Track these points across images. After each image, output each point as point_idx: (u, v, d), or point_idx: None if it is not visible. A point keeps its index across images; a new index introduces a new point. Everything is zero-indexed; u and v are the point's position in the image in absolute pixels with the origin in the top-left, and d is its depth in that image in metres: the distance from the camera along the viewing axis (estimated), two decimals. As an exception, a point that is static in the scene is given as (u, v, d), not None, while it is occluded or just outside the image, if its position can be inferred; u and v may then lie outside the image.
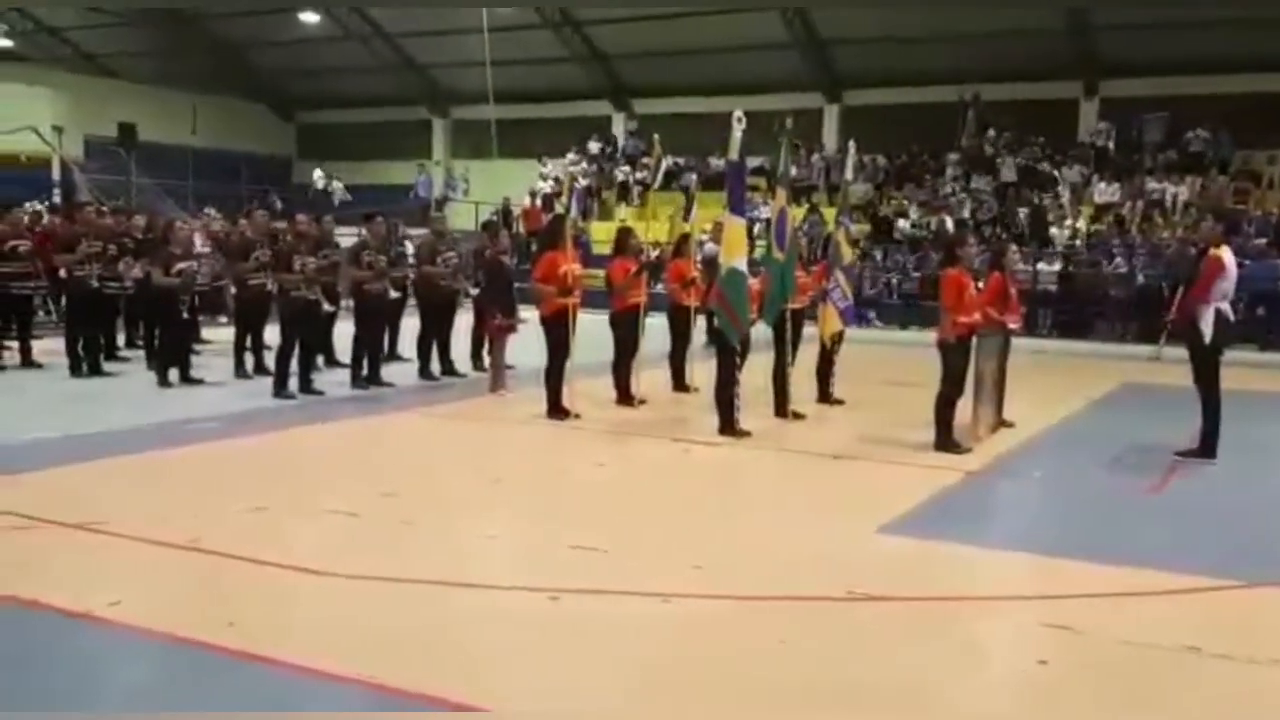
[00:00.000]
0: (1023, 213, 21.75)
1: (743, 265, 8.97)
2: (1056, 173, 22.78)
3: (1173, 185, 21.33)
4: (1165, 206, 21.11)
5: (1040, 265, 19.62)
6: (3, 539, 5.73)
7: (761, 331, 9.80)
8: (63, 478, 7.17)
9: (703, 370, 10.77)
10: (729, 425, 9.01)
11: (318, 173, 29.44)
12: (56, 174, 22.02)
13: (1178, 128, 22.50)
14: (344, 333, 11.92)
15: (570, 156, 27.69)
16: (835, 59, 25.89)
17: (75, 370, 11.73)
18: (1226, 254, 8.34)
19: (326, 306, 11.11)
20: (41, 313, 14.56)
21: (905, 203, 23.35)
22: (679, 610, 4.93)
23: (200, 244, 14.21)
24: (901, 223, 22.59)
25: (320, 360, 11.97)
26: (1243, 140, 21.82)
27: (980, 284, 8.98)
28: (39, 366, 12.28)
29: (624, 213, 25.48)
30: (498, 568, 5.61)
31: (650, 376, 10.99)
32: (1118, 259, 19.37)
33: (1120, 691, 4.19)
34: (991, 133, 24.12)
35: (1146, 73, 22.52)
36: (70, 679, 4.04)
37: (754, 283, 9.30)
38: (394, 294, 11.97)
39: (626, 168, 27.25)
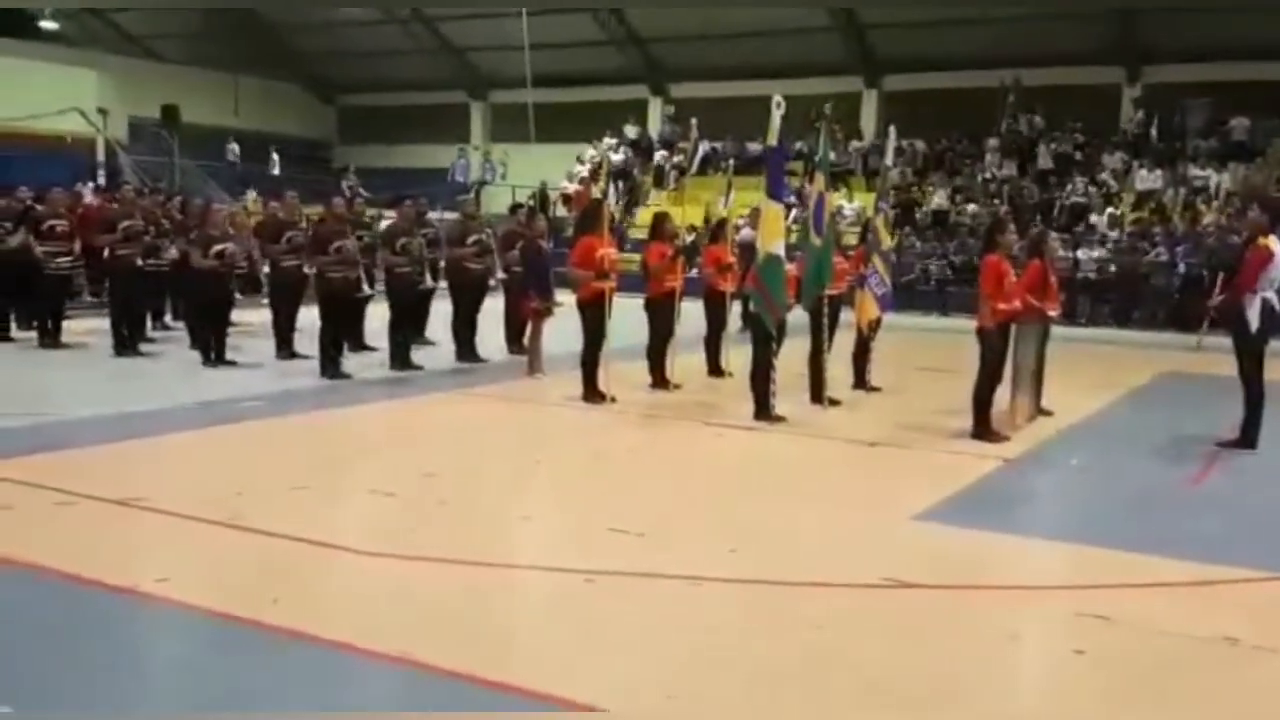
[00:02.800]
0: (1062, 199, 21.53)
1: (780, 250, 8.95)
2: (1097, 159, 22.53)
3: (1215, 172, 21.04)
4: (1207, 194, 20.82)
5: (1080, 253, 19.42)
6: (49, 515, 5.85)
7: (798, 317, 9.78)
8: (108, 455, 7.31)
9: (738, 355, 10.77)
10: (764, 411, 9.02)
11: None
12: (101, 155, 22.29)
13: (1220, 114, 22.15)
14: (373, 315, 11.99)
15: (608, 141, 27.67)
16: (875, 43, 25.72)
17: (119, 349, 11.91)
18: (1274, 243, 8.22)
19: (365, 290, 11.20)
20: (87, 294, 14.81)
21: (933, 189, 23.17)
22: (712, 593, 4.95)
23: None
24: (937, 203, 22.41)
25: (345, 345, 12.04)
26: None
27: (1019, 271, 8.92)
28: (66, 348, 12.33)
29: (660, 198, 25.47)
30: (534, 549, 5.67)
31: (685, 361, 11.01)
32: (1159, 247, 19.14)
33: (1156, 681, 4.18)
34: (1034, 119, 23.86)
35: (1189, 58, 22.20)
36: (112, 654, 4.14)
37: (791, 268, 9.28)
38: (429, 284, 12.01)
39: (664, 152, 27.21)
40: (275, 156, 27.88)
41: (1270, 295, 8.15)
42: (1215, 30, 21.30)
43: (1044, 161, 22.92)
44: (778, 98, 8.84)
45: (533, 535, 5.96)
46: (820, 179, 9.98)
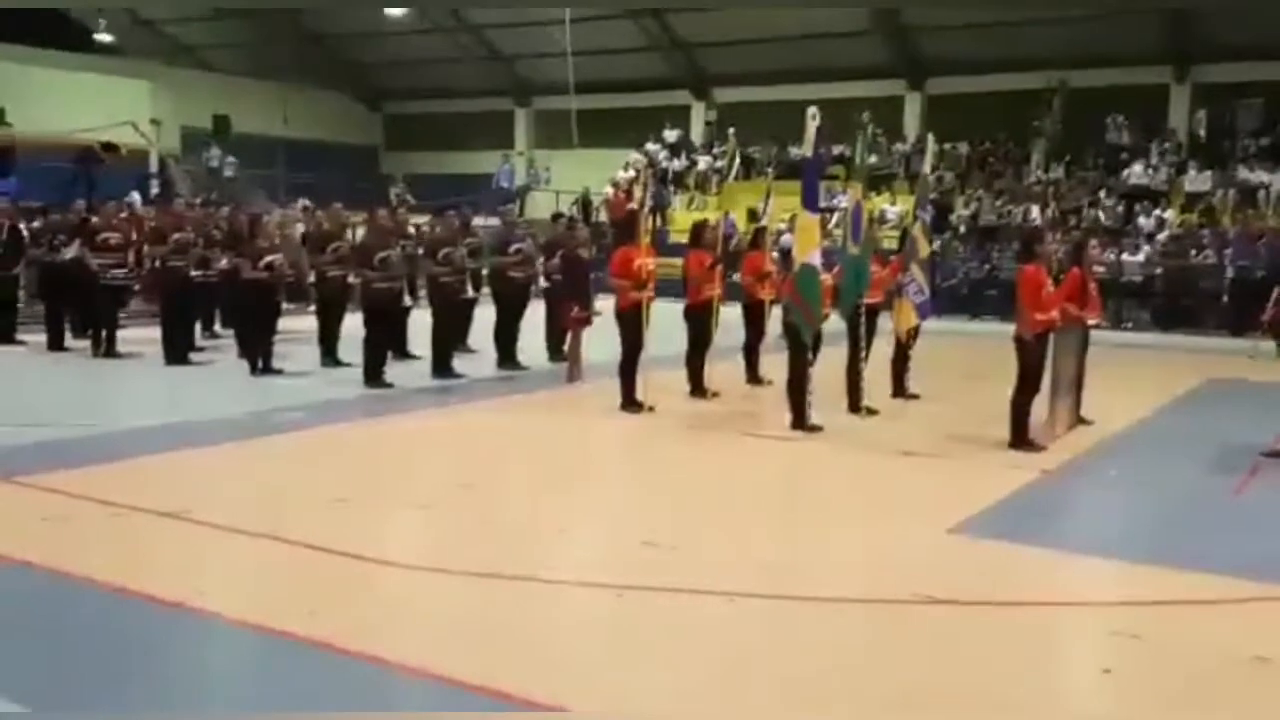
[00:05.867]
0: (1108, 201, 21.31)
1: (816, 260, 8.99)
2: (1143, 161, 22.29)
3: (1267, 174, 20.69)
4: (1259, 196, 20.50)
5: (1125, 256, 19.20)
6: (98, 526, 6.04)
7: (835, 325, 9.80)
8: (158, 466, 7.50)
9: (776, 363, 10.77)
10: (801, 420, 9.04)
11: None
12: (154, 166, 22.74)
13: (1273, 115, 21.79)
14: (416, 321, 12.14)
15: (650, 147, 27.79)
16: (918, 45, 25.56)
17: (170, 358, 12.18)
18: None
19: (407, 300, 11.37)
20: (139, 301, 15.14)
21: (973, 195, 23.04)
22: (743, 609, 5.00)
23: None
24: (979, 208, 22.28)
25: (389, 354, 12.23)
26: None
27: (1060, 277, 8.89)
28: (119, 357, 12.58)
29: (704, 201, 25.53)
30: (568, 562, 5.75)
31: (724, 369, 11.05)
32: (1208, 250, 18.88)
33: (1182, 702, 4.18)
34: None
35: (1239, 57, 21.84)
36: (155, 664, 4.28)
37: (827, 277, 9.31)
38: (471, 293, 12.16)
39: (707, 157, 27.25)
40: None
41: (1321, 304, 8.08)
42: (1266, 29, 20.95)
43: (1091, 163, 22.71)
44: (813, 109, 8.88)
45: (567, 548, 6.04)
46: (858, 188, 10.02)
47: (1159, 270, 19.03)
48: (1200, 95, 23.23)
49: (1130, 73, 23.16)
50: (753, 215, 14.12)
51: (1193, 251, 19.09)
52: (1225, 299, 17.89)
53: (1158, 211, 20.66)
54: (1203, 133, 22.51)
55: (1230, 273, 18.15)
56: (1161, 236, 19.92)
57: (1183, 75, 23.36)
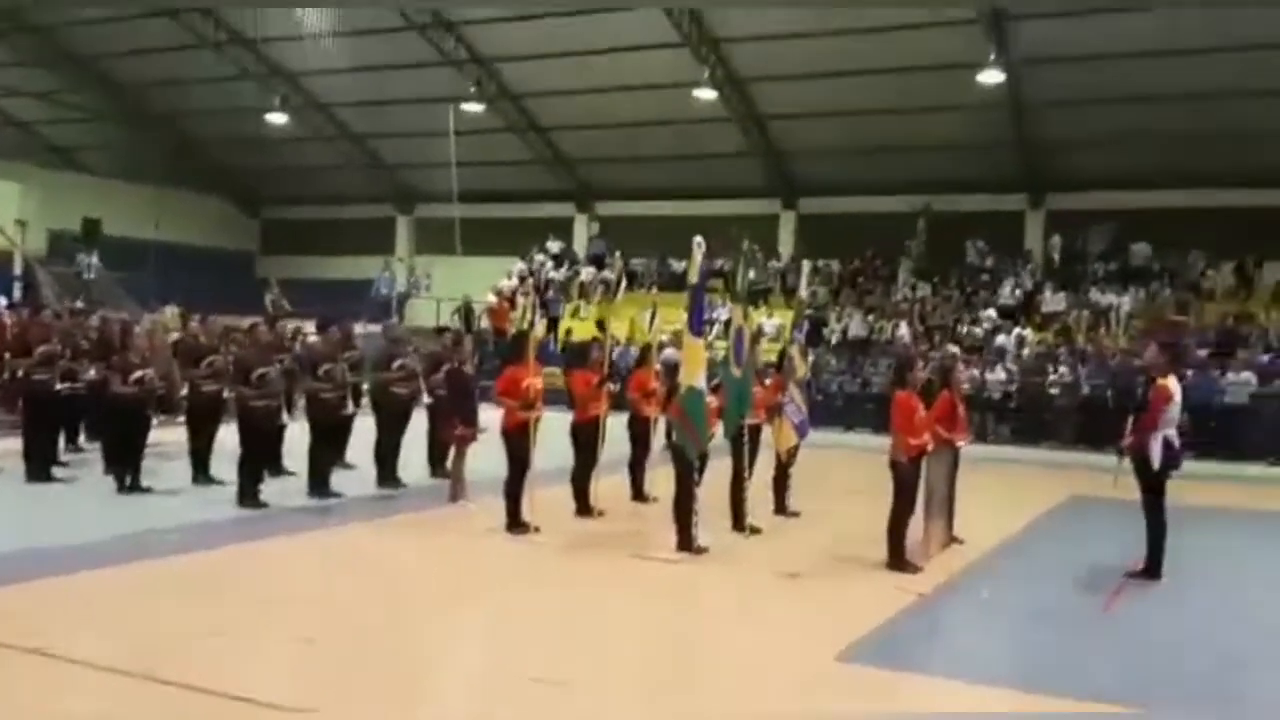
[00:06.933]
0: (969, 319, 22.34)
1: (702, 384, 9.20)
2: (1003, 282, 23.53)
3: (1116, 296, 22.00)
4: (1110, 316, 21.74)
5: (987, 374, 20.06)
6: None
7: (719, 441, 9.96)
8: (19, 596, 7.13)
9: (662, 477, 10.88)
10: (687, 542, 9.13)
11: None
12: (18, 269, 22.00)
13: (1122, 241, 23.29)
14: (292, 435, 11.90)
15: (538, 257, 28.19)
16: (791, 167, 26.62)
17: (31, 475, 11.65)
18: (1173, 383, 8.71)
19: (285, 419, 11.16)
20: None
21: (845, 311, 23.92)
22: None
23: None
24: (849, 323, 23.09)
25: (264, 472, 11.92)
26: (1184, 252, 22.62)
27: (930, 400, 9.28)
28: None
29: (587, 312, 25.81)
30: (459, 705, 5.64)
31: (610, 484, 11.09)
32: (1063, 368, 19.86)
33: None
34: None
35: (1091, 186, 23.39)
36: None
37: (712, 400, 9.52)
38: (351, 409, 11.98)
39: (590, 269, 27.64)
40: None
41: (1171, 433, 8.59)
42: (1113, 161, 22.55)
43: (954, 282, 23.84)
44: (698, 238, 9.17)
45: (456, 688, 5.94)
46: (739, 310, 10.32)
47: (1017, 387, 19.91)
48: (1053, 221, 24.69)
49: (990, 199, 24.56)
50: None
51: (1050, 368, 20.05)
52: (1082, 415, 18.74)
53: (1018, 330, 21.69)
54: (1056, 256, 23.88)
55: (1085, 390, 19.09)
56: (1022, 354, 20.89)
57: (1037, 202, 24.85)
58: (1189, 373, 16.86)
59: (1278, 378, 18.51)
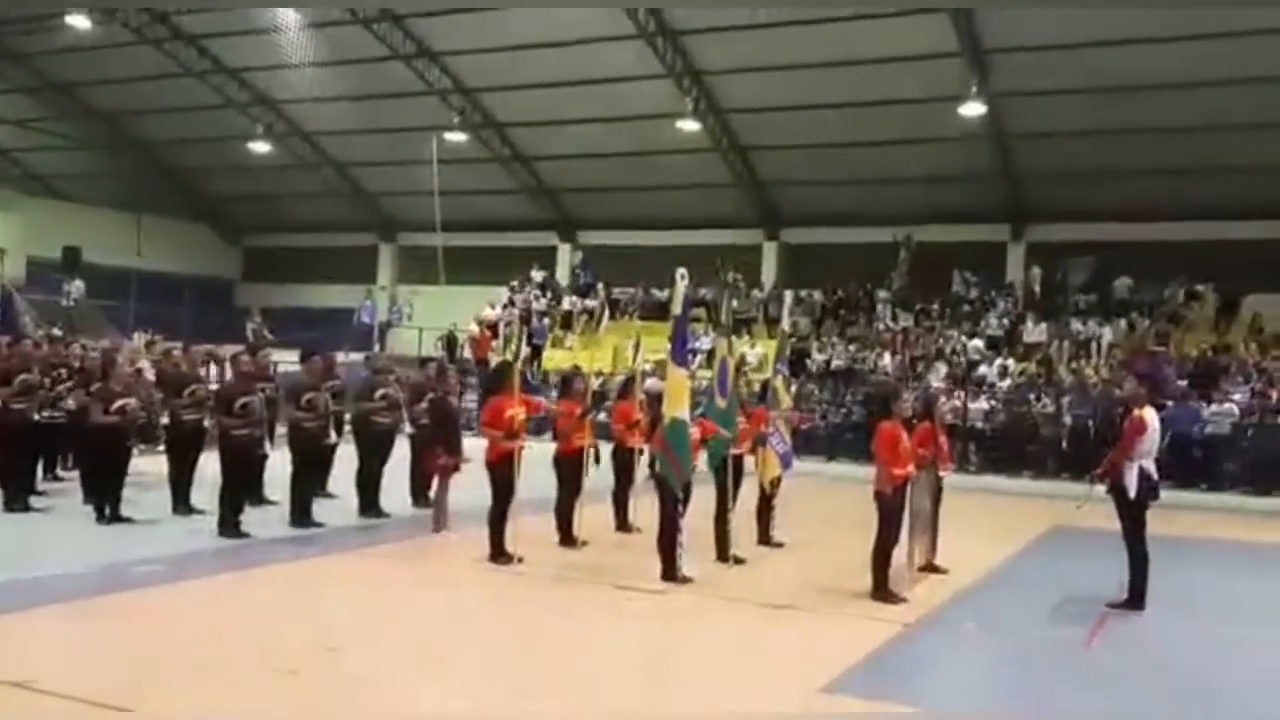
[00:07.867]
0: (953, 350, 22.45)
1: (685, 415, 9.21)
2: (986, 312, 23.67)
3: (1097, 326, 22.16)
4: (1092, 347, 21.88)
5: (970, 404, 20.14)
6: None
7: (703, 472, 9.96)
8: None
9: (646, 507, 10.86)
10: (671, 572, 9.11)
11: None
12: (-3, 297, 21.92)
13: (1103, 272, 23.48)
14: (273, 464, 11.81)
15: (527, 291, 28.23)
16: (774, 198, 26.77)
17: (9, 504, 11.54)
18: (1149, 414, 8.77)
19: (267, 448, 11.10)
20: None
21: (828, 341, 24.01)
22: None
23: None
24: (832, 353, 23.16)
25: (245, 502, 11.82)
26: (1164, 283, 22.83)
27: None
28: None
29: (571, 341, 25.84)
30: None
31: (593, 514, 11.05)
32: (1045, 399, 19.95)
33: None
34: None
35: (1071, 218, 23.60)
36: None
37: (696, 431, 9.53)
38: (333, 439, 11.91)
39: (574, 298, 27.68)
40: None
41: (1148, 463, 8.64)
42: (1093, 193, 22.80)
43: (936, 312, 23.96)
44: (681, 270, 9.21)
45: (437, 718, 5.89)
46: (724, 343, 10.36)
47: (1001, 416, 19.99)
48: (1033, 253, 24.89)
49: (972, 230, 24.75)
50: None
51: (1032, 398, 20.14)
52: (1064, 445, 18.81)
53: (1000, 360, 21.80)
54: (1037, 288, 24.06)
55: (1067, 420, 19.18)
56: (1005, 384, 20.99)
57: (1019, 233, 25.05)
58: (1168, 403, 16.97)
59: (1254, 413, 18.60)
